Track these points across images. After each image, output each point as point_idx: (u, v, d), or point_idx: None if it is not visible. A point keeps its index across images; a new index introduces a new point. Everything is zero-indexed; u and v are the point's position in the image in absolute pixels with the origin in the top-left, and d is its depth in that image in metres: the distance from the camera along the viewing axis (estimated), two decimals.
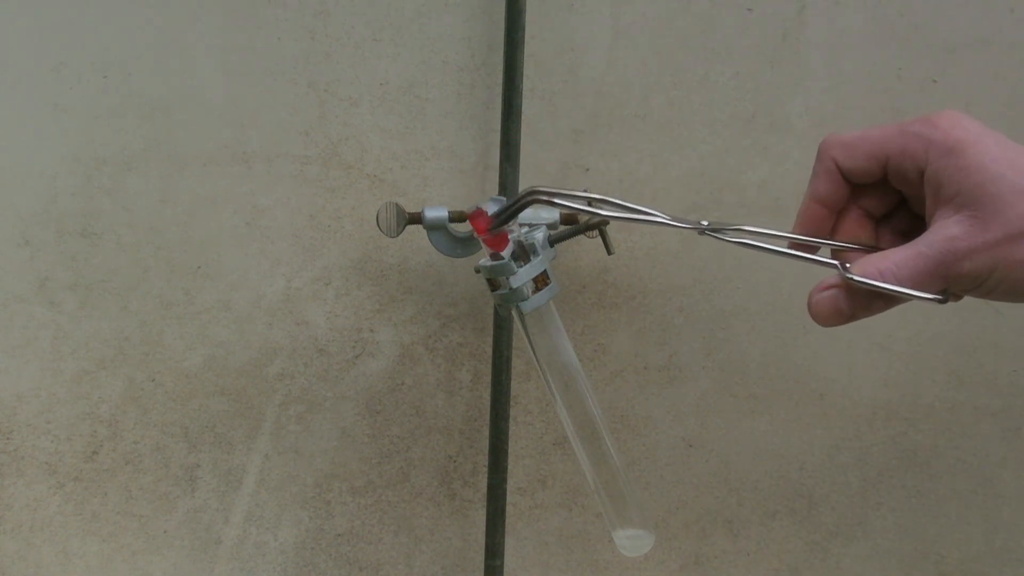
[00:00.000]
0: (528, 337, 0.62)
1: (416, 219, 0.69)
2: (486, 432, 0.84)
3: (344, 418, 0.85)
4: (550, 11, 0.77)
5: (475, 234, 0.58)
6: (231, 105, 0.78)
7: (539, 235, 0.61)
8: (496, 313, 0.74)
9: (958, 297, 0.43)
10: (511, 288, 0.59)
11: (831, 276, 0.44)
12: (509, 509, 0.85)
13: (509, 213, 0.55)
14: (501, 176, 0.75)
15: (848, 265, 0.43)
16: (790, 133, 0.81)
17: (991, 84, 0.81)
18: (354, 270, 0.82)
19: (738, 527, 0.90)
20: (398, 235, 0.70)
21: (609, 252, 0.64)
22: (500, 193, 0.76)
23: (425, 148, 0.80)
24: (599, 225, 0.63)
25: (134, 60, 0.76)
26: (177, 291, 0.81)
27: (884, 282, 0.41)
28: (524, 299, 0.59)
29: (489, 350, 0.83)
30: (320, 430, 0.85)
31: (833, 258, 0.46)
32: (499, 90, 0.76)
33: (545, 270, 0.60)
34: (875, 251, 0.44)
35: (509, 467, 0.78)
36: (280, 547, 0.87)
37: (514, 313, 0.61)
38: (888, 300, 0.43)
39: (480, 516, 0.87)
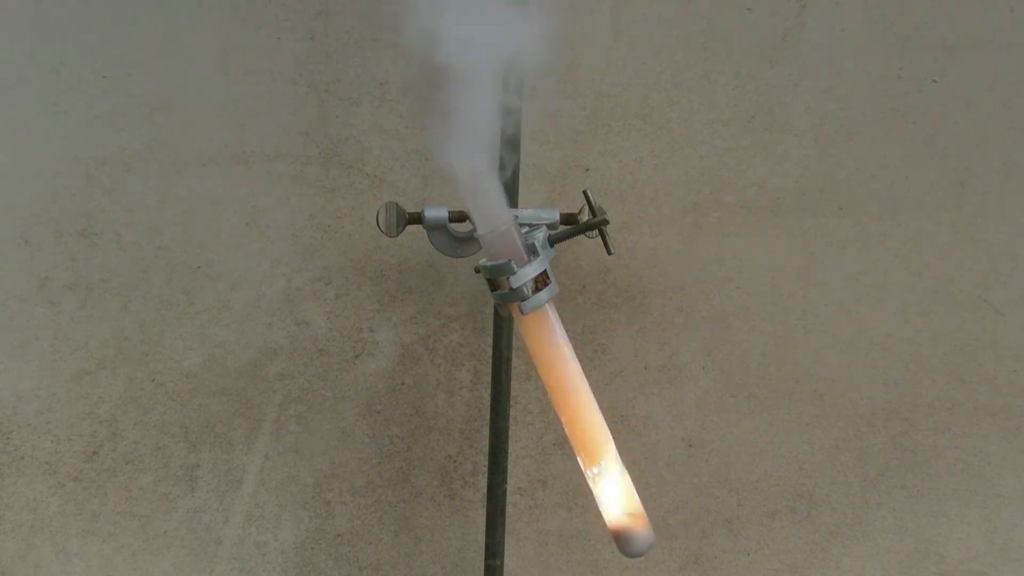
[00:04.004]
0: (528, 337, 0.62)
1: (416, 219, 0.69)
2: (486, 432, 0.84)
3: (344, 418, 0.85)
4: (550, 11, 0.77)
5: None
6: (231, 105, 0.78)
7: (539, 235, 0.61)
8: (496, 313, 0.74)
9: None
10: (511, 288, 0.59)
11: None
12: (509, 509, 0.85)
13: None
14: (501, 176, 0.75)
15: None
16: (790, 133, 0.81)
17: (991, 84, 0.81)
18: (354, 270, 0.82)
19: (738, 527, 0.90)
20: (398, 235, 0.70)
21: (609, 252, 0.64)
22: None
23: (425, 148, 0.80)
24: (599, 225, 0.63)
25: (134, 60, 0.76)
26: (177, 291, 0.81)
27: None
28: (524, 299, 0.59)
29: (489, 350, 0.83)
30: (320, 430, 0.85)
31: None
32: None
33: (545, 270, 0.60)
34: None
35: (509, 467, 0.78)
36: (280, 547, 0.87)
37: (514, 313, 0.61)
38: None
39: (480, 516, 0.87)
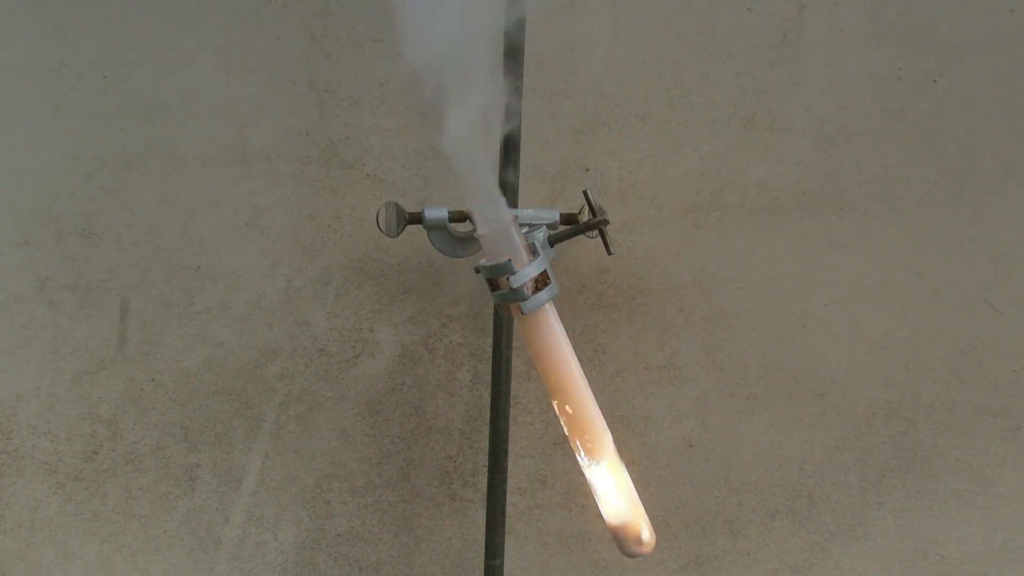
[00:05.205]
0: (528, 337, 0.62)
1: (416, 219, 0.69)
2: (486, 432, 0.84)
3: (344, 418, 0.85)
4: (550, 11, 0.77)
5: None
6: (231, 105, 0.78)
7: (539, 235, 0.61)
8: (496, 313, 0.74)
9: None
10: (511, 288, 0.59)
11: None
12: (509, 509, 0.85)
13: None
14: (501, 176, 0.75)
15: None
16: (790, 133, 0.81)
17: (991, 84, 0.81)
18: (354, 270, 0.82)
19: (738, 527, 0.90)
20: (398, 235, 0.70)
21: (609, 252, 0.64)
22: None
23: (425, 148, 0.80)
24: (599, 225, 0.63)
25: (134, 60, 0.76)
26: (177, 291, 0.81)
27: None
28: (524, 299, 0.59)
29: (489, 350, 0.83)
30: (320, 430, 0.85)
31: None
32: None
33: (545, 270, 0.60)
34: None
35: (509, 467, 0.78)
36: (280, 547, 0.87)
37: (514, 313, 0.61)
38: None
39: (480, 516, 0.87)
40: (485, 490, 0.82)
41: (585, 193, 0.63)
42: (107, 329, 0.81)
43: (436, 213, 0.69)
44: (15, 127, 0.76)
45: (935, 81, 0.81)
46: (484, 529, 0.80)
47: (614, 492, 0.61)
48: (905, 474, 0.89)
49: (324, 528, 0.87)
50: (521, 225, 0.64)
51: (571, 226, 0.65)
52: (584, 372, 0.62)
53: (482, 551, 0.81)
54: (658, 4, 0.78)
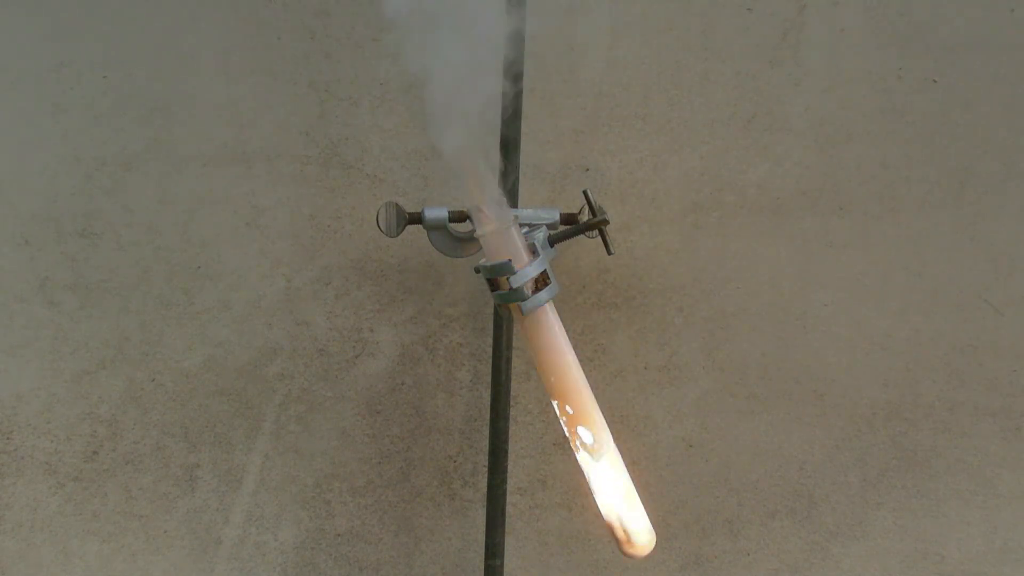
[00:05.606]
0: (528, 337, 0.62)
1: (416, 219, 0.69)
2: (486, 432, 0.84)
3: (344, 418, 0.85)
4: (550, 11, 0.77)
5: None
6: (231, 105, 0.78)
7: (539, 235, 0.61)
8: (496, 313, 0.74)
9: None
10: (511, 288, 0.59)
11: None
12: (509, 509, 0.85)
13: None
14: (501, 176, 0.75)
15: None
16: (790, 133, 0.81)
17: (991, 84, 0.81)
18: (354, 270, 0.82)
19: (738, 527, 0.90)
20: (398, 235, 0.70)
21: (609, 252, 0.64)
22: None
23: (425, 148, 0.80)
24: (599, 225, 0.63)
25: (134, 60, 0.76)
26: (177, 291, 0.81)
27: None
28: (524, 299, 0.59)
29: (489, 350, 0.83)
30: (320, 430, 0.85)
31: None
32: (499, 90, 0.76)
33: (545, 270, 0.60)
34: None
35: (509, 467, 0.78)
36: (280, 547, 0.87)
37: (514, 313, 0.61)
38: None
39: (480, 516, 0.87)
40: (485, 490, 0.82)
41: (585, 193, 0.63)
42: (107, 329, 0.81)
43: (436, 213, 0.69)
44: (15, 127, 0.76)
45: (935, 81, 0.81)
46: (484, 529, 0.80)
47: (614, 492, 0.61)
48: (905, 474, 0.89)
49: (324, 528, 0.87)
50: (521, 225, 0.64)
51: (571, 226, 0.65)
52: (584, 372, 0.62)
53: (482, 551, 0.81)
54: (658, 4, 0.78)
